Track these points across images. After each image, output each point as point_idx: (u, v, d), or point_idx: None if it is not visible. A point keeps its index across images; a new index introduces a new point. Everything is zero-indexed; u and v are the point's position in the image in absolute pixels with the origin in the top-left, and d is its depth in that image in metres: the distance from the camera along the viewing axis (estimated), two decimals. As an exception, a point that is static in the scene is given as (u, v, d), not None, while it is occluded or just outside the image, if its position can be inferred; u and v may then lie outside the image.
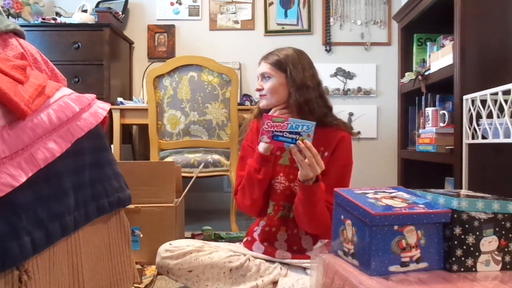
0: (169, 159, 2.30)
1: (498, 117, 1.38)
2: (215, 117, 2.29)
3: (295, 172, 1.34)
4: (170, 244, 1.39)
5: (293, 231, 1.39)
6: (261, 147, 1.33)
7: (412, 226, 0.86)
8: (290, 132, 1.17)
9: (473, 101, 1.55)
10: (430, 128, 1.98)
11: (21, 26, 1.28)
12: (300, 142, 1.17)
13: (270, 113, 1.38)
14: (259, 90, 1.43)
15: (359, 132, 3.20)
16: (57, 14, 3.09)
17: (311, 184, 1.24)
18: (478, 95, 1.50)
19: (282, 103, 1.40)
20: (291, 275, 1.34)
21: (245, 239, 1.50)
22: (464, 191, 1.07)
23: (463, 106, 1.61)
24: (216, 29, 3.27)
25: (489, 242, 0.88)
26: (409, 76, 2.35)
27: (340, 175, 1.37)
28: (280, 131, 1.18)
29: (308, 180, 1.24)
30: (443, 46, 1.98)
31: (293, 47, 1.46)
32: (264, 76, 1.42)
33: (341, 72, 3.23)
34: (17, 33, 1.16)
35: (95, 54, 2.79)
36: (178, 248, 1.37)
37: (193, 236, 2.13)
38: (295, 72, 1.38)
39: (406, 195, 0.98)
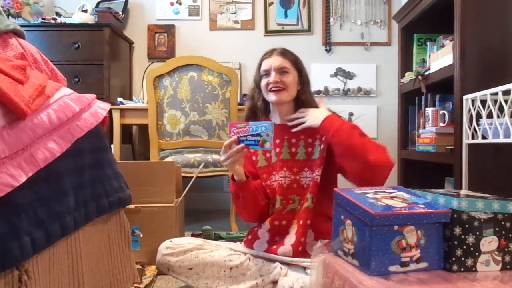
0: (169, 159, 2.30)
1: (498, 117, 1.38)
2: (215, 117, 2.29)
3: (297, 164, 1.42)
4: (171, 241, 1.41)
5: (306, 222, 1.39)
6: (235, 175, 1.36)
7: (412, 226, 0.86)
8: (252, 135, 1.26)
9: (473, 101, 1.55)
10: (430, 128, 1.98)
11: (21, 26, 1.29)
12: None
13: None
14: (276, 82, 1.40)
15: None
16: (57, 14, 3.09)
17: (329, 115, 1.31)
18: (478, 95, 1.50)
19: (291, 100, 1.45)
20: (291, 274, 1.34)
21: (245, 238, 1.50)
22: (464, 191, 1.07)
23: (463, 106, 1.61)
24: (216, 29, 3.27)
25: (489, 242, 0.88)
26: (409, 76, 2.35)
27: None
28: (244, 136, 1.27)
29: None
30: (443, 46, 1.98)
31: None
32: (281, 70, 1.42)
33: (341, 72, 3.23)
34: (17, 33, 1.16)
35: (95, 54, 2.78)
36: (179, 245, 1.38)
37: (193, 236, 2.13)
38: (304, 70, 1.48)
39: (406, 195, 0.98)
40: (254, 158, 1.49)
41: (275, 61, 1.42)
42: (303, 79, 1.46)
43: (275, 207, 1.43)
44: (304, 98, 1.45)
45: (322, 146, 1.40)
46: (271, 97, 1.42)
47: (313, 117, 1.35)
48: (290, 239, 1.40)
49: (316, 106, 1.47)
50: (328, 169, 1.40)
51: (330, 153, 1.38)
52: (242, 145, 1.26)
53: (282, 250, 1.39)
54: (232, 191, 1.41)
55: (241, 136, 1.26)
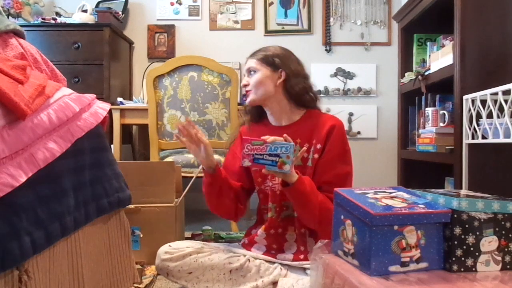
0: (169, 159, 2.30)
1: (498, 117, 1.38)
2: (215, 117, 2.29)
3: None
4: (169, 246, 1.39)
5: (300, 230, 1.39)
6: (199, 160, 1.34)
7: (412, 226, 0.86)
8: (269, 155, 1.18)
9: (473, 101, 1.55)
10: (430, 128, 1.98)
11: (21, 26, 1.28)
12: None
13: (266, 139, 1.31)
14: (245, 86, 1.43)
15: (359, 132, 3.20)
16: (57, 14, 3.09)
17: (295, 181, 1.24)
18: (478, 95, 1.50)
19: (269, 97, 1.41)
20: (291, 275, 1.34)
21: (242, 241, 1.49)
22: (464, 191, 1.07)
23: (463, 106, 1.61)
24: (216, 29, 3.27)
25: (489, 242, 0.88)
26: (409, 76, 2.35)
27: (340, 163, 1.36)
28: (260, 154, 1.18)
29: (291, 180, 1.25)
30: (443, 46, 1.98)
31: (281, 46, 1.49)
32: (249, 72, 1.43)
33: (341, 72, 3.23)
34: (17, 33, 1.16)
35: (95, 54, 2.78)
36: (178, 250, 1.37)
37: (193, 236, 2.13)
38: (285, 62, 1.42)
39: (406, 195, 0.98)
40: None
41: (246, 65, 1.45)
42: (285, 73, 1.40)
43: (268, 215, 1.42)
44: (294, 92, 1.41)
45: (316, 155, 1.37)
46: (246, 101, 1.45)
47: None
48: (290, 248, 1.39)
49: (315, 95, 1.46)
50: (315, 175, 1.37)
51: (322, 165, 1.37)
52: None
53: (282, 257, 1.39)
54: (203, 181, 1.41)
55: (256, 154, 1.18)
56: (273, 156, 1.17)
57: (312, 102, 1.45)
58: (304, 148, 1.29)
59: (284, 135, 1.24)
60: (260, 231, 1.43)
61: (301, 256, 1.37)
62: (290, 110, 1.43)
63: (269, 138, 1.19)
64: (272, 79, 1.41)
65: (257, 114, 1.50)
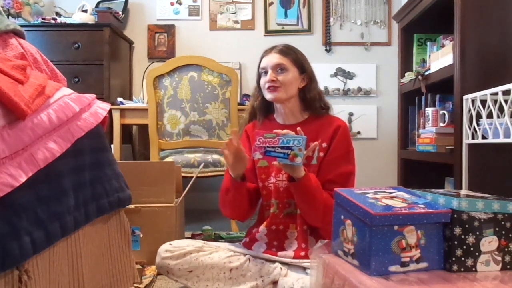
0: (169, 159, 2.30)
1: (498, 117, 1.38)
2: (215, 117, 2.29)
3: None
4: (170, 244, 1.40)
5: (302, 227, 1.39)
6: (232, 173, 1.34)
7: (412, 226, 0.86)
8: (281, 147, 1.19)
9: (473, 101, 1.55)
10: (430, 128, 1.98)
11: (21, 26, 1.28)
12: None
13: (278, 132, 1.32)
14: (272, 81, 1.40)
15: (359, 132, 3.20)
16: (57, 14, 3.09)
17: (302, 176, 1.26)
18: (478, 95, 1.50)
19: (291, 97, 1.43)
20: (291, 275, 1.34)
21: (244, 240, 1.50)
22: (464, 191, 1.08)
23: (463, 106, 1.61)
24: (216, 29, 3.27)
25: (489, 242, 0.88)
26: (409, 76, 2.35)
27: (344, 163, 1.38)
28: (272, 147, 1.20)
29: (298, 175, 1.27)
30: (443, 46, 1.98)
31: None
32: (278, 68, 1.41)
33: (341, 72, 3.23)
34: (17, 33, 1.16)
35: (95, 54, 2.78)
36: (178, 248, 1.37)
37: (193, 236, 2.13)
38: (308, 68, 1.47)
39: (406, 195, 0.98)
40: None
41: (273, 59, 1.42)
42: (307, 76, 1.46)
43: (270, 211, 1.42)
44: (309, 97, 1.45)
45: (321, 153, 1.39)
46: (268, 95, 1.43)
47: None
48: (291, 245, 1.39)
49: (325, 103, 1.48)
50: (319, 174, 1.39)
51: (326, 165, 1.39)
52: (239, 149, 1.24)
53: (283, 254, 1.39)
54: (224, 185, 1.42)
55: (268, 147, 1.20)
56: (285, 149, 1.19)
57: (321, 110, 1.47)
58: (316, 143, 1.30)
59: (298, 128, 1.26)
60: (262, 227, 1.43)
61: (302, 253, 1.36)
62: (299, 111, 1.47)
63: (282, 131, 1.22)
64: (297, 81, 1.44)
65: (265, 111, 1.52)
